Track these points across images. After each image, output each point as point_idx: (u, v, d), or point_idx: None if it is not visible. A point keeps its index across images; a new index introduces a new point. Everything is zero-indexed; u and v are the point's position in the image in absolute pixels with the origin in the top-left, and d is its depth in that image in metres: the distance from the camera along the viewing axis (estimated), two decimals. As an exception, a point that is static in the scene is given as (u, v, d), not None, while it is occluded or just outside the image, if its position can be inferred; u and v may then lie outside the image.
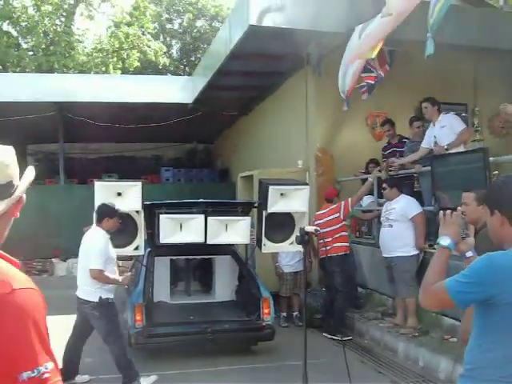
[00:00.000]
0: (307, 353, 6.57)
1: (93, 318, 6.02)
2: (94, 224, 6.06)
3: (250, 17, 8.72)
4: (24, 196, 1.66)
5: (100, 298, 5.90)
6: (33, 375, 1.36)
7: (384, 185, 7.88)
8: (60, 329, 8.47)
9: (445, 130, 7.61)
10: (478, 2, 10.08)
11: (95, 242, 5.92)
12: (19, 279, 1.47)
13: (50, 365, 1.40)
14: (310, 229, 4.43)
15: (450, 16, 6.40)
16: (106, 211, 6.03)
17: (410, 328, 7.18)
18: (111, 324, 6.00)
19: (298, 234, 4.45)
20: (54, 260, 15.19)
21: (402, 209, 7.41)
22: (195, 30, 31.05)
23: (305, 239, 4.36)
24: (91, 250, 5.90)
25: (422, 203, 7.84)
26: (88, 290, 5.97)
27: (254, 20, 8.72)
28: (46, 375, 1.38)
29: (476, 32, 9.18)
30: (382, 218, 7.76)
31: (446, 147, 7.53)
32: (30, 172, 1.71)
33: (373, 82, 9.14)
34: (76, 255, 14.61)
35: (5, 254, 1.55)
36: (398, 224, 7.36)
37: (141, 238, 6.70)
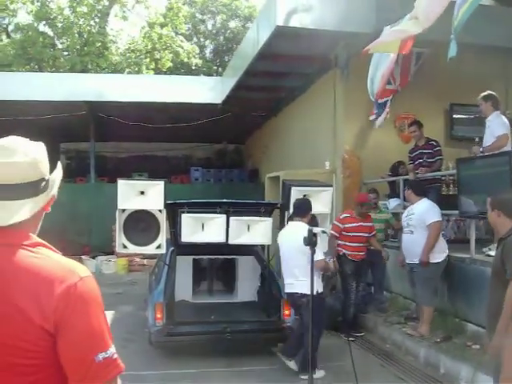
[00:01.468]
0: (328, 356, 6.59)
1: (305, 310, 6.06)
2: (297, 218, 6.32)
3: (278, 18, 8.73)
4: (56, 192, 1.71)
5: (317, 291, 5.97)
6: (106, 356, 1.49)
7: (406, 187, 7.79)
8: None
9: (488, 131, 7.30)
10: (509, 2, 9.86)
11: None
12: (79, 267, 1.56)
13: (114, 347, 1.54)
14: (317, 230, 4.38)
15: (479, 16, 6.28)
16: (310, 207, 6.43)
17: (418, 333, 7.09)
18: (320, 315, 6.14)
19: (306, 236, 4.41)
20: (83, 257, 15.37)
21: (420, 215, 7.22)
22: (228, 31, 31.18)
23: (312, 241, 4.33)
24: None
25: (452, 207, 7.70)
26: (301, 284, 6.04)
27: (281, 21, 8.73)
28: (115, 355, 1.52)
29: (507, 32, 9.01)
30: (403, 223, 7.63)
31: (481, 150, 7.32)
32: (60, 169, 1.77)
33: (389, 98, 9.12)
34: (106, 253, 14.98)
35: (49, 245, 1.61)
36: (418, 231, 7.19)
37: (163, 237, 6.72)
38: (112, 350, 1.51)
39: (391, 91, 9.12)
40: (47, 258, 1.53)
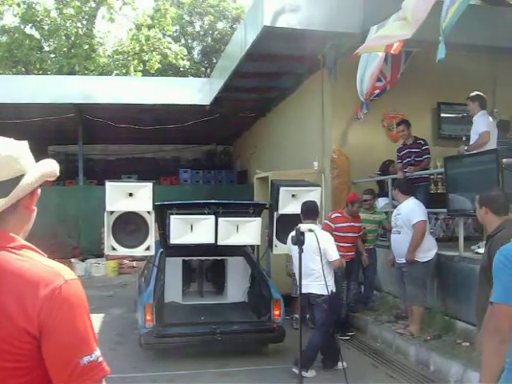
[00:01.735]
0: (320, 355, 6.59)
1: (320, 310, 6.36)
2: (308, 221, 6.38)
3: (265, 18, 8.72)
4: (38, 190, 1.66)
5: (331, 291, 6.26)
6: (91, 359, 1.47)
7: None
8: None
9: (473, 130, 7.49)
10: (497, 2, 9.91)
11: (325, 237, 6.34)
12: (65, 270, 1.54)
13: (99, 350, 1.51)
14: (304, 229, 4.38)
15: (468, 16, 6.28)
16: (318, 208, 6.69)
17: (407, 332, 7.12)
18: (331, 315, 6.44)
19: (293, 234, 4.40)
20: (73, 260, 15.33)
21: (406, 214, 7.22)
22: (216, 32, 31.15)
23: (300, 239, 4.33)
24: (324, 244, 6.13)
25: (440, 206, 7.75)
26: (319, 285, 6.20)
27: (269, 21, 8.72)
28: (100, 358, 1.50)
29: (495, 31, 9.04)
30: (392, 223, 7.66)
31: (466, 148, 7.41)
32: (46, 165, 1.67)
33: (377, 93, 9.16)
34: (95, 255, 14.90)
35: (35, 247, 1.59)
36: (405, 230, 7.19)
37: (151, 239, 6.71)
38: (97, 353, 1.49)
39: (379, 88, 9.13)
40: (32, 261, 1.52)
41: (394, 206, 8.90)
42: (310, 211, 6.56)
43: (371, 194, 8.75)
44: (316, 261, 6.18)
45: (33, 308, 1.43)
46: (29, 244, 1.58)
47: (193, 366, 6.69)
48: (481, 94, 7.77)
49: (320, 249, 5.92)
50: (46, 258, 1.57)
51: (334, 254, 6.33)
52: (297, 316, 8.69)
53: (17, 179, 1.55)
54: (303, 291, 6.24)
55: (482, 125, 7.37)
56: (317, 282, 6.18)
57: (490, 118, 7.71)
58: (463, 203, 6.82)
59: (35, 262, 1.52)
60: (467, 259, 6.90)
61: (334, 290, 6.38)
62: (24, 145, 1.64)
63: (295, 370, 6.03)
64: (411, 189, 7.66)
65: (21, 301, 1.43)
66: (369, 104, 9.20)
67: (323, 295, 6.24)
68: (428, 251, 7.18)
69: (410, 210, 7.20)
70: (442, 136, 10.70)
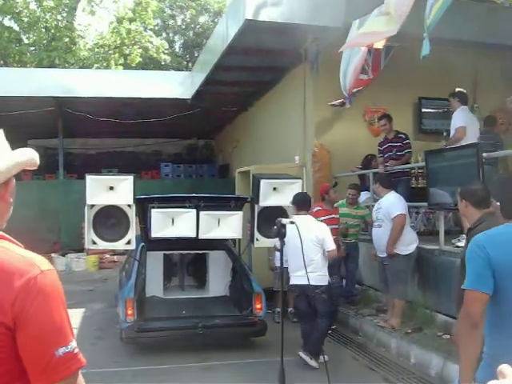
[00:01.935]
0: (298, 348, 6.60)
1: (320, 300, 6.43)
2: (302, 212, 6.58)
3: (247, 11, 8.67)
4: (13, 179, 1.62)
5: (328, 281, 6.47)
6: (67, 350, 1.44)
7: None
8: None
9: (451, 125, 7.61)
10: (482, -2, 9.96)
11: (322, 227, 6.59)
12: (41, 260, 1.51)
13: (75, 342, 1.49)
14: (286, 221, 4.37)
15: (450, 11, 6.29)
16: (310, 200, 6.94)
17: (389, 325, 7.18)
18: (331, 304, 6.67)
19: (275, 227, 4.39)
20: (53, 255, 15.19)
21: (386, 208, 7.26)
22: (198, 26, 31.00)
23: (282, 232, 4.31)
24: (322, 235, 6.42)
25: (421, 200, 7.80)
26: (317, 276, 6.29)
27: (251, 14, 8.67)
28: (76, 350, 1.47)
29: (476, 27, 9.09)
30: (373, 217, 7.69)
31: (444, 144, 7.48)
32: (22, 153, 1.63)
33: (361, 88, 9.16)
34: (76, 250, 14.78)
35: (11, 237, 1.56)
36: (386, 224, 7.23)
37: (132, 232, 6.67)
38: (73, 344, 1.47)
39: (366, 81, 9.11)
40: (7, 251, 1.49)
41: (376, 201, 8.96)
42: (305, 202, 6.72)
43: (356, 188, 8.76)
44: (316, 251, 6.33)
45: (7, 298, 1.40)
46: (4, 234, 1.56)
47: (174, 360, 6.66)
48: (462, 90, 7.88)
49: (314, 240, 6.25)
50: (22, 249, 1.55)
51: (331, 244, 6.47)
52: (279, 310, 8.72)
53: None
54: (298, 283, 6.27)
55: (459, 120, 7.48)
56: (315, 272, 6.25)
57: (471, 114, 7.78)
58: (444, 197, 6.86)
59: (10, 252, 1.49)
60: (447, 253, 6.95)
61: (328, 280, 6.51)
62: None
63: (306, 358, 6.31)
64: (392, 183, 7.69)
65: None
66: (352, 99, 9.19)
67: (322, 286, 6.34)
68: (409, 244, 7.22)
69: (391, 204, 7.23)
70: (423, 130, 10.75)
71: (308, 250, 6.12)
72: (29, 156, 1.65)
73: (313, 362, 6.34)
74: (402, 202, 7.32)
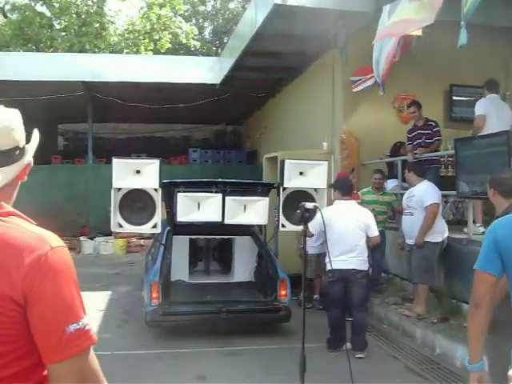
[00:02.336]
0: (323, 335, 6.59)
1: (360, 286, 6.45)
2: (345, 197, 6.70)
3: (275, -5, 8.59)
4: (32, 160, 1.66)
5: (368, 267, 6.57)
6: (78, 327, 1.45)
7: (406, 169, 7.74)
8: (89, 304, 8.69)
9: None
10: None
11: (367, 213, 6.68)
12: (52, 237, 1.52)
13: (86, 318, 1.50)
14: (309, 205, 4.32)
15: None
16: (352, 185, 7.13)
17: (413, 313, 7.12)
18: (369, 291, 6.78)
19: (298, 211, 4.35)
20: (81, 238, 15.41)
21: (419, 196, 7.20)
22: (228, 12, 30.91)
23: (305, 216, 4.26)
24: (367, 220, 6.53)
25: (450, 189, 7.69)
26: (361, 261, 6.43)
27: (279, -1, 8.59)
28: (87, 327, 1.48)
29: (510, 13, 8.87)
30: (404, 205, 7.61)
31: (471, 133, 7.39)
32: (36, 135, 1.72)
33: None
34: (104, 234, 14.99)
35: (23, 214, 1.57)
36: (418, 212, 7.17)
37: (158, 216, 6.67)
38: (84, 321, 1.47)
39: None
40: (19, 228, 1.49)
41: (404, 188, 8.86)
42: (348, 187, 6.88)
43: (381, 173, 8.70)
44: (361, 236, 6.42)
45: (17, 275, 1.40)
46: (16, 211, 1.56)
47: (198, 344, 6.71)
48: (492, 78, 7.86)
49: (361, 225, 6.40)
50: (33, 225, 1.55)
51: (375, 230, 6.56)
52: (317, 296, 8.67)
53: (13, 150, 1.56)
54: (341, 267, 6.26)
55: (478, 109, 7.50)
56: (359, 257, 6.38)
57: (499, 102, 7.67)
58: (473, 185, 6.74)
59: (22, 229, 1.49)
60: (476, 242, 6.83)
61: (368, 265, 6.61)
62: (17, 114, 1.63)
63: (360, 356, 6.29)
64: (424, 171, 7.64)
65: (5, 267, 1.41)
66: (385, 86, 9.05)
67: (363, 270, 6.41)
68: (439, 233, 7.15)
69: (425, 192, 7.17)
70: (453, 118, 10.58)
71: (354, 234, 6.35)
72: (37, 138, 1.73)
73: (359, 354, 6.34)
74: (436, 191, 7.25)
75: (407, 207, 7.42)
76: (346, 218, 6.48)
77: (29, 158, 1.63)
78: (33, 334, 1.43)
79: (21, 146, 1.60)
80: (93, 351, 1.51)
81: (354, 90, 9.75)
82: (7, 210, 1.53)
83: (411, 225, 7.29)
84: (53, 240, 1.50)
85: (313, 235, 6.70)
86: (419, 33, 7.48)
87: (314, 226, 5.90)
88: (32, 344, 1.44)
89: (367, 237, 6.53)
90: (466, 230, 7.37)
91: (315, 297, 8.83)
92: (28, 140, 1.70)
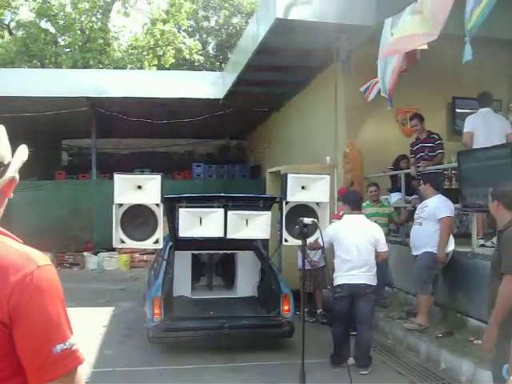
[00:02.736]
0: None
1: (368, 300, 6.36)
2: (355, 212, 6.63)
3: (277, 10, 8.64)
4: (17, 176, 1.62)
5: (377, 282, 6.47)
6: (64, 347, 1.42)
7: (421, 181, 7.65)
8: (92, 319, 8.62)
9: None
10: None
11: (377, 228, 6.63)
12: (39, 255, 1.49)
13: (73, 338, 1.47)
14: (308, 221, 4.30)
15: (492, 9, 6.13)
16: (362, 199, 7.13)
17: (415, 325, 7.07)
18: (374, 306, 6.70)
19: (297, 227, 4.32)
20: (85, 253, 15.39)
21: (433, 208, 7.16)
22: (231, 27, 31.08)
23: (304, 232, 4.24)
24: (377, 235, 6.48)
25: (454, 201, 7.64)
26: (371, 276, 6.36)
27: (281, 13, 8.63)
28: (74, 347, 1.45)
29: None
30: (415, 215, 7.56)
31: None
32: (23, 151, 1.66)
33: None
34: (108, 249, 14.93)
35: (8, 232, 1.54)
36: (428, 223, 7.14)
37: (160, 232, 6.65)
38: (71, 341, 1.44)
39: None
40: (4, 246, 1.47)
41: (407, 202, 8.84)
42: (358, 201, 6.85)
43: (375, 185, 8.82)
44: (371, 251, 6.37)
45: (2, 294, 1.38)
46: (2, 229, 1.54)
47: (201, 360, 6.64)
48: (484, 91, 7.98)
49: (371, 239, 6.34)
50: (19, 244, 1.52)
51: (385, 246, 6.54)
52: (306, 310, 8.58)
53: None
54: (351, 282, 6.20)
55: (466, 126, 7.73)
56: (369, 272, 6.33)
57: (491, 115, 7.75)
58: (477, 198, 6.70)
59: (7, 247, 1.47)
60: (480, 255, 6.78)
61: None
62: (1, 129, 1.60)
63: (363, 372, 6.20)
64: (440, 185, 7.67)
65: None
66: (392, 100, 9.01)
67: (372, 285, 6.35)
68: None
69: (439, 204, 7.16)
70: (456, 131, 10.53)
71: (364, 249, 6.30)
72: (25, 152, 1.66)
73: (363, 371, 6.27)
74: (449, 204, 7.22)
75: (418, 218, 7.38)
76: (357, 233, 6.43)
77: (11, 173, 1.57)
78: (19, 354, 1.40)
79: (5, 161, 1.56)
80: (80, 371, 1.47)
81: (369, 99, 9.65)
82: None
83: (417, 235, 7.27)
84: (39, 259, 1.47)
85: (319, 248, 6.67)
86: (425, 46, 7.47)
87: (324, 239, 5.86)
88: (18, 365, 1.41)
89: (376, 252, 6.47)
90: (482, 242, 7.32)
91: (319, 311, 8.77)
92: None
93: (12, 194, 1.64)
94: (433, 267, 7.06)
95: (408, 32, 7.10)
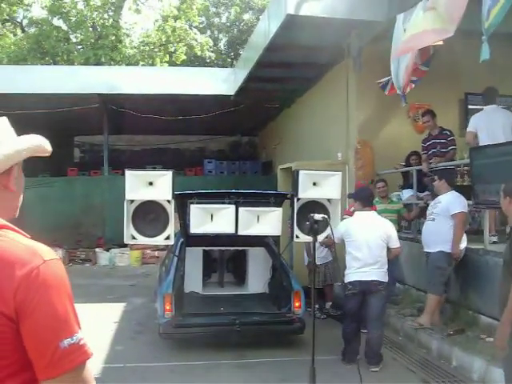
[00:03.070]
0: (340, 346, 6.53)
1: (380, 297, 6.35)
2: (366, 208, 6.63)
3: (288, 6, 8.61)
4: (15, 167, 1.56)
5: (388, 278, 6.44)
6: (72, 342, 1.41)
7: (435, 177, 7.59)
8: (103, 315, 8.67)
9: None
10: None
11: (389, 224, 6.63)
12: (45, 250, 1.48)
13: (81, 333, 1.46)
14: (318, 217, 4.28)
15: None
16: (373, 194, 7.14)
17: (416, 323, 7.08)
18: (386, 303, 6.65)
19: (308, 223, 4.31)
20: (97, 250, 15.46)
21: (446, 204, 7.11)
22: (242, 24, 31.05)
23: (314, 228, 4.23)
24: (389, 232, 6.47)
25: (466, 198, 7.60)
26: (382, 272, 6.34)
27: (292, 9, 8.60)
28: (82, 341, 1.44)
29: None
30: (428, 212, 7.51)
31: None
32: (25, 140, 1.58)
33: (417, 78, 8.95)
34: (119, 245, 14.99)
35: (16, 227, 1.53)
36: (441, 219, 7.08)
37: (171, 228, 6.65)
38: (79, 335, 1.43)
39: (424, 72, 8.96)
40: (10, 241, 1.46)
41: (419, 198, 8.80)
42: (370, 198, 6.85)
43: (383, 181, 8.82)
44: (383, 247, 6.35)
45: (8, 289, 1.37)
46: (9, 224, 1.52)
47: (211, 356, 6.67)
48: (488, 88, 8.07)
49: (383, 236, 6.31)
50: (26, 238, 1.51)
51: (397, 242, 6.51)
52: (317, 306, 8.55)
53: None
54: (363, 279, 6.19)
55: (469, 125, 7.84)
56: (381, 269, 6.31)
57: (492, 113, 7.74)
58: (489, 195, 6.65)
59: (13, 242, 1.46)
60: (492, 252, 6.74)
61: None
62: (0, 121, 1.57)
63: (374, 369, 6.18)
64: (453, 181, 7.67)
65: None
66: (406, 97, 8.96)
67: (384, 282, 6.33)
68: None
69: (453, 200, 7.11)
70: (468, 127, 10.46)
71: (376, 246, 6.28)
72: (34, 143, 1.60)
73: (374, 368, 6.25)
74: (463, 200, 7.16)
75: (431, 213, 7.33)
76: (368, 229, 6.41)
77: (0, 153, 1.49)
78: (26, 349, 1.40)
79: None
80: (88, 365, 1.46)
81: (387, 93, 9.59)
82: None
83: (430, 231, 7.23)
84: (45, 253, 1.46)
85: (329, 245, 6.65)
86: (440, 42, 7.40)
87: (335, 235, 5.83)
88: (26, 360, 1.41)
89: (387, 248, 6.45)
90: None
91: (329, 304, 8.79)
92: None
93: (15, 188, 1.59)
94: (446, 267, 7.02)
95: (421, 28, 7.03)
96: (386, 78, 9.22)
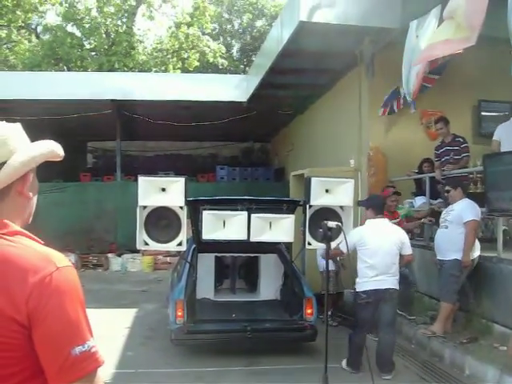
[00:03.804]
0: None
1: (393, 304, 6.38)
2: (379, 216, 6.60)
3: (301, 13, 8.64)
4: (30, 174, 1.57)
5: (399, 285, 6.41)
6: (83, 350, 1.42)
7: (447, 187, 7.53)
8: (114, 321, 8.69)
9: None
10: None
11: (401, 231, 6.63)
12: (59, 257, 1.49)
13: (93, 340, 1.46)
14: (332, 224, 4.28)
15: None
16: (385, 203, 7.18)
17: (429, 331, 7.04)
18: (396, 310, 6.67)
19: (321, 230, 4.30)
20: (109, 255, 15.51)
21: (459, 211, 7.06)
22: (255, 30, 31.14)
23: (328, 235, 4.23)
24: (403, 238, 6.46)
25: (480, 206, 7.55)
26: (396, 280, 6.34)
27: (305, 16, 8.63)
28: (93, 349, 1.44)
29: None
30: (440, 219, 7.48)
31: None
32: (39, 146, 1.59)
33: (430, 86, 8.96)
34: (131, 251, 15.04)
35: (30, 234, 1.54)
36: (453, 226, 7.04)
37: (184, 234, 6.67)
38: (90, 343, 1.44)
39: (434, 80, 8.94)
40: (24, 247, 1.47)
41: (431, 205, 8.77)
42: (382, 205, 6.84)
43: (396, 193, 8.77)
44: (396, 254, 6.34)
45: (21, 296, 1.38)
46: (23, 230, 1.53)
47: (222, 363, 6.66)
48: None
49: (397, 243, 6.28)
50: (39, 245, 1.52)
51: (410, 249, 6.51)
52: (329, 313, 8.53)
53: (5, 164, 1.49)
54: (378, 287, 6.16)
55: (494, 134, 7.97)
56: (395, 276, 6.31)
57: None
58: (502, 202, 6.61)
59: (27, 248, 1.47)
60: (506, 260, 6.69)
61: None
62: (15, 127, 1.58)
63: (386, 377, 6.15)
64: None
65: (9, 288, 1.38)
66: (416, 103, 8.95)
67: (397, 290, 6.31)
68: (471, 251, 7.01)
69: (466, 207, 7.05)
70: (482, 134, 10.41)
71: (390, 253, 6.26)
72: (48, 148, 1.61)
73: (387, 376, 6.22)
74: (476, 208, 7.10)
75: (444, 221, 7.29)
76: (382, 236, 6.37)
77: (13, 166, 1.50)
78: (38, 356, 1.41)
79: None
80: (99, 373, 1.46)
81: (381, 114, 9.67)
82: (13, 230, 1.50)
83: (443, 239, 7.18)
84: (58, 260, 1.47)
85: (342, 254, 6.60)
86: (459, 51, 7.37)
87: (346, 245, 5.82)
88: (38, 366, 1.42)
89: (400, 255, 6.42)
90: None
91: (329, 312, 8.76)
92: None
93: (30, 194, 1.60)
94: (460, 275, 6.97)
95: (442, 38, 6.98)
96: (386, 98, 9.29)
